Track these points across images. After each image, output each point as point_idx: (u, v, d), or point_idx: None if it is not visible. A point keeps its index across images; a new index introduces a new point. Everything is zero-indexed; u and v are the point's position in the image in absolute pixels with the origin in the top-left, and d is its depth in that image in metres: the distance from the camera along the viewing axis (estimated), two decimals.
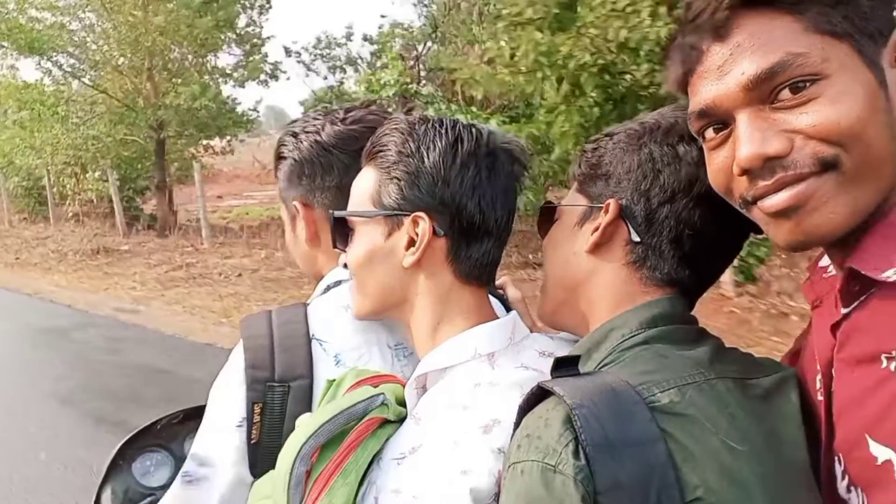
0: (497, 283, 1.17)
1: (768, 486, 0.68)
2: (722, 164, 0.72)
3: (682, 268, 0.83)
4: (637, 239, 0.83)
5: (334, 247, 1.01)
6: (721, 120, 0.71)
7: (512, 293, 1.17)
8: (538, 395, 0.73)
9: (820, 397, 0.76)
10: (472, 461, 0.77)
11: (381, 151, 0.92)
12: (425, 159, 0.87)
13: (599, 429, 0.65)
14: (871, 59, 0.66)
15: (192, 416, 1.32)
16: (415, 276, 0.91)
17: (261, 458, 0.94)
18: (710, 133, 0.73)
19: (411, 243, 0.89)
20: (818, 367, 0.76)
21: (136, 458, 1.27)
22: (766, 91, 0.66)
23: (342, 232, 0.98)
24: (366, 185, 0.94)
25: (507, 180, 0.91)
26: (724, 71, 0.69)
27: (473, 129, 0.90)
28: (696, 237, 0.82)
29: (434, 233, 0.88)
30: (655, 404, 0.69)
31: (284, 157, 1.16)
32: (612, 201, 0.84)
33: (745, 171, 0.69)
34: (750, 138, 0.67)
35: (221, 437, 0.96)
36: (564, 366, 0.74)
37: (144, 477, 1.22)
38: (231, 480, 0.95)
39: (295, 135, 1.14)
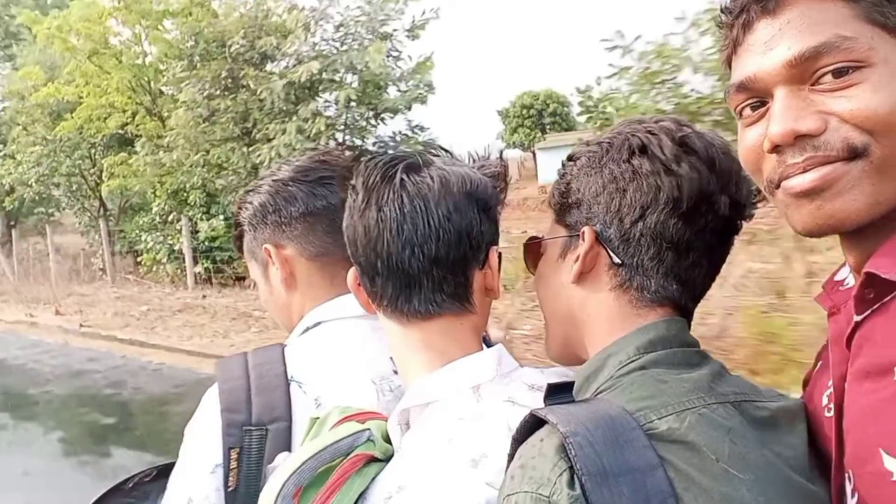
0: None
1: None
2: (754, 140, 0.72)
3: (668, 282, 0.81)
4: (618, 261, 0.82)
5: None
6: (759, 96, 0.71)
7: (494, 334, 1.14)
8: (532, 424, 0.70)
9: (828, 413, 0.73)
10: (462, 496, 0.73)
11: None
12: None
13: (595, 456, 0.62)
14: None
15: (165, 474, 1.29)
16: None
17: None
18: (747, 111, 0.73)
19: None
20: (829, 384, 0.74)
21: None
22: (808, 71, 0.66)
23: None
24: None
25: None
26: (770, 46, 0.68)
27: None
28: (674, 248, 0.81)
29: None
30: (653, 431, 0.66)
31: (248, 205, 1.18)
32: (587, 229, 0.83)
33: (775, 148, 0.68)
34: (784, 114, 0.67)
35: (195, 482, 0.92)
36: (557, 393, 0.72)
37: None
38: None
39: (251, 189, 1.19)
